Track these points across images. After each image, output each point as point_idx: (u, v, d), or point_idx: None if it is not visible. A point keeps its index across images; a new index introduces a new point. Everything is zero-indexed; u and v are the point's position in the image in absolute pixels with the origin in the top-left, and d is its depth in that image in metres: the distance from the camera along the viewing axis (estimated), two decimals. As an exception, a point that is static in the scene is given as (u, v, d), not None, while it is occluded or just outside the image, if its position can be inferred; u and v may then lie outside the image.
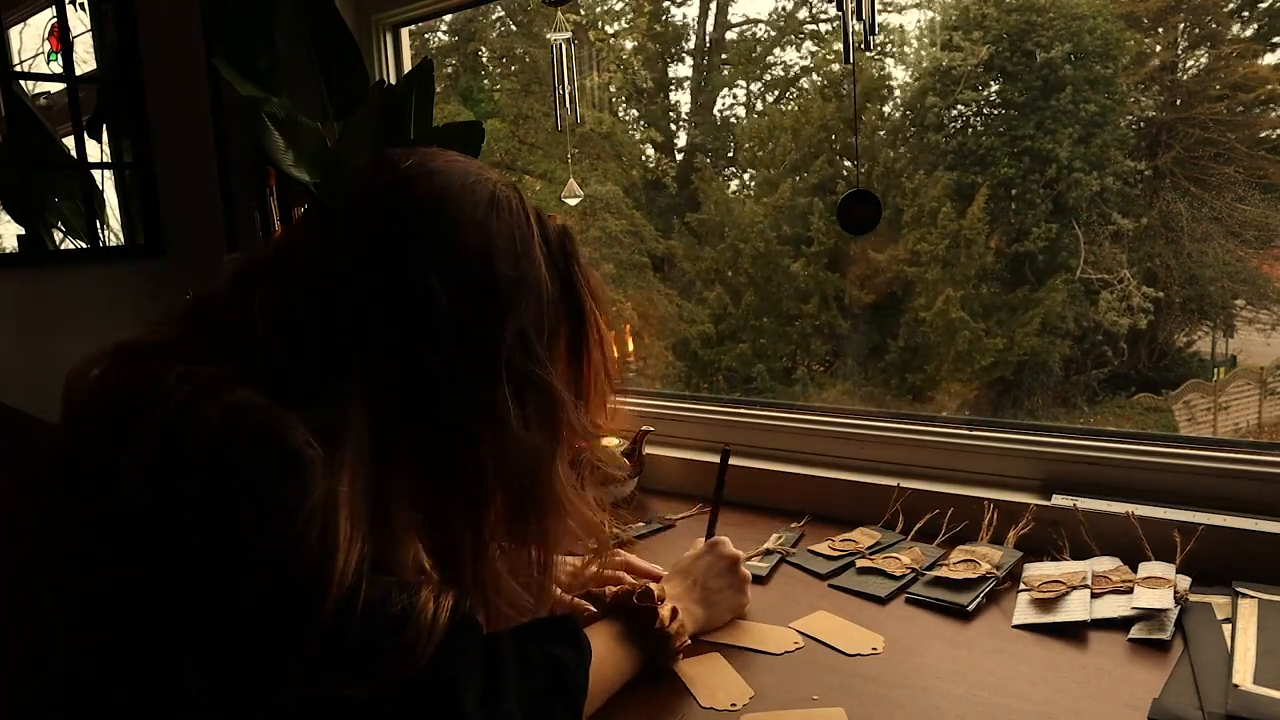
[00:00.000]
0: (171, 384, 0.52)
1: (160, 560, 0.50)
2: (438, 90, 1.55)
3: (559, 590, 0.86)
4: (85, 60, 1.75)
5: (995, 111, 5.71)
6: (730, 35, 7.13)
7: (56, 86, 1.73)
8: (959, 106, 5.77)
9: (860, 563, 1.03)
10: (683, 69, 7.17)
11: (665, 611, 0.79)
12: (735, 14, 7.10)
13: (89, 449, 0.54)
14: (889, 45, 6.03)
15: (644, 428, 1.35)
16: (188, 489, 0.50)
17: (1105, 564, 0.96)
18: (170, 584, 0.50)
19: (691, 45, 7.10)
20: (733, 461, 1.32)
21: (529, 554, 0.71)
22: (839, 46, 1.16)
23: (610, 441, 1.35)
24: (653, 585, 0.81)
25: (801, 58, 6.86)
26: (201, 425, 0.51)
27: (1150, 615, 0.85)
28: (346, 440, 0.56)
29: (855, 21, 1.09)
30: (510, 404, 0.63)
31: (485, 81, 7.35)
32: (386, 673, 0.54)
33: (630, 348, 1.76)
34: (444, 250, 0.62)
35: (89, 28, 1.75)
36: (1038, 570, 0.97)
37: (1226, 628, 0.82)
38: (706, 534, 0.98)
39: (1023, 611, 0.89)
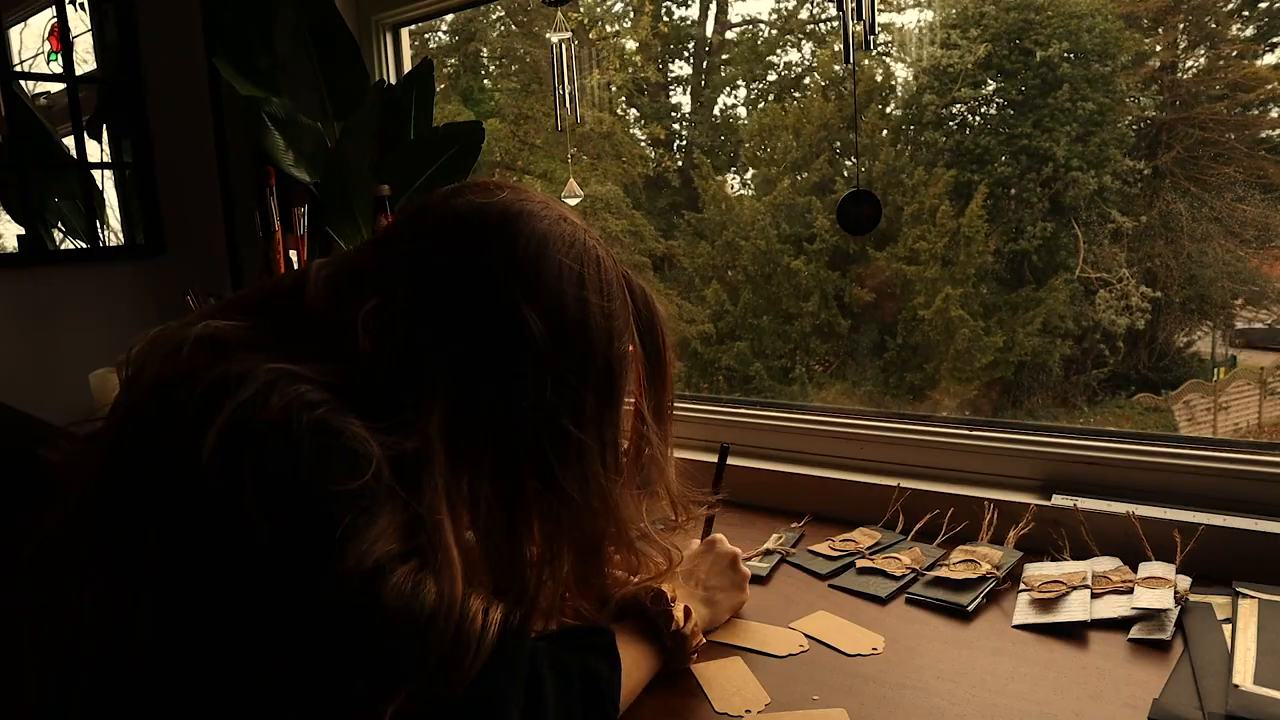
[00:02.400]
0: (255, 378, 0.53)
1: (218, 550, 0.50)
2: (438, 90, 1.55)
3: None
4: (85, 60, 1.75)
5: (993, 110, 5.71)
6: (730, 35, 7.13)
7: (56, 86, 1.73)
8: (957, 105, 5.77)
9: (860, 563, 1.03)
10: (683, 68, 7.18)
11: (679, 613, 0.79)
12: (735, 14, 7.10)
13: (162, 434, 0.53)
14: (889, 45, 6.03)
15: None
16: (247, 478, 0.50)
17: (1105, 564, 0.96)
18: (225, 576, 0.50)
19: (692, 45, 7.10)
20: (733, 461, 1.32)
21: (589, 582, 0.73)
22: (839, 47, 1.16)
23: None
24: (664, 587, 0.81)
25: (803, 57, 6.87)
26: (263, 416, 0.51)
27: (1150, 615, 0.85)
28: (428, 463, 0.57)
29: (855, 22, 1.09)
30: (592, 443, 0.65)
31: (485, 81, 7.35)
32: (433, 685, 0.54)
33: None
34: (543, 292, 0.64)
35: (89, 28, 1.75)
36: (1038, 570, 0.97)
37: (1226, 628, 0.82)
38: (703, 533, 0.98)
39: (1023, 611, 0.89)
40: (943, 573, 0.97)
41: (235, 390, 0.52)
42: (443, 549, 0.56)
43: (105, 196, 1.80)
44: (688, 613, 0.80)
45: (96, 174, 1.77)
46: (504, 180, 0.71)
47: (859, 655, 0.83)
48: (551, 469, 0.64)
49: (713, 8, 7.06)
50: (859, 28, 1.10)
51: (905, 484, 1.16)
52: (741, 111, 7.05)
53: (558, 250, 0.66)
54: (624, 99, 7.02)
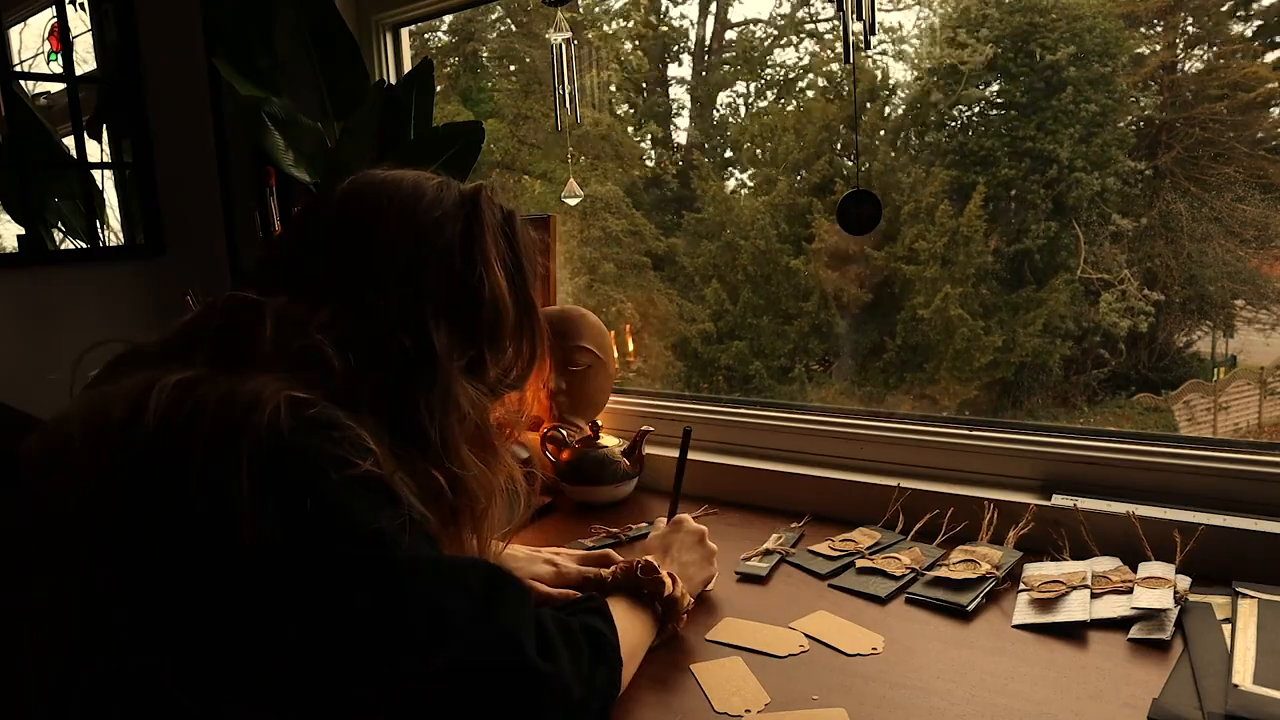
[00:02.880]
0: (264, 397, 0.55)
1: (227, 554, 0.51)
2: (438, 90, 1.55)
3: (547, 588, 0.92)
4: (85, 60, 1.75)
5: (997, 112, 5.71)
6: (730, 35, 7.13)
7: (56, 86, 1.73)
8: (960, 106, 5.77)
9: (860, 563, 1.03)
10: (683, 69, 7.18)
11: (666, 578, 0.84)
12: (735, 15, 7.09)
13: (181, 463, 0.53)
14: (889, 46, 6.03)
15: (644, 428, 1.35)
16: (259, 486, 0.52)
17: (1105, 564, 0.96)
18: (234, 572, 0.52)
19: (691, 45, 7.10)
20: (733, 461, 1.33)
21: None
22: (840, 47, 1.16)
23: (610, 442, 1.35)
24: (649, 558, 0.86)
25: (801, 58, 6.86)
26: (275, 429, 0.54)
27: (1150, 615, 0.85)
28: (368, 412, 0.61)
29: (855, 21, 1.09)
30: (444, 353, 0.68)
31: (485, 81, 7.35)
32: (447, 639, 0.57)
33: (630, 348, 1.76)
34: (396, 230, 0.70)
35: (89, 28, 1.75)
36: (1038, 570, 0.97)
37: (1226, 628, 0.82)
38: (669, 512, 1.02)
39: (1023, 611, 0.89)
40: (942, 573, 0.97)
41: (246, 410, 0.54)
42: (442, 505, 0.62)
43: (105, 196, 1.80)
44: (673, 579, 0.85)
45: (96, 174, 1.77)
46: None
47: (859, 655, 0.83)
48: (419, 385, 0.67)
49: (713, 7, 7.06)
50: (859, 27, 1.10)
51: (905, 484, 1.16)
52: (741, 111, 7.05)
53: (406, 193, 0.72)
54: (624, 99, 7.02)
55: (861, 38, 1.10)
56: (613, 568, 0.88)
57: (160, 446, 0.53)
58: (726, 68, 7.08)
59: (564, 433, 1.36)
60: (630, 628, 0.79)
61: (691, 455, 1.38)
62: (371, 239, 0.68)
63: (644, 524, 1.22)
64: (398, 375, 0.65)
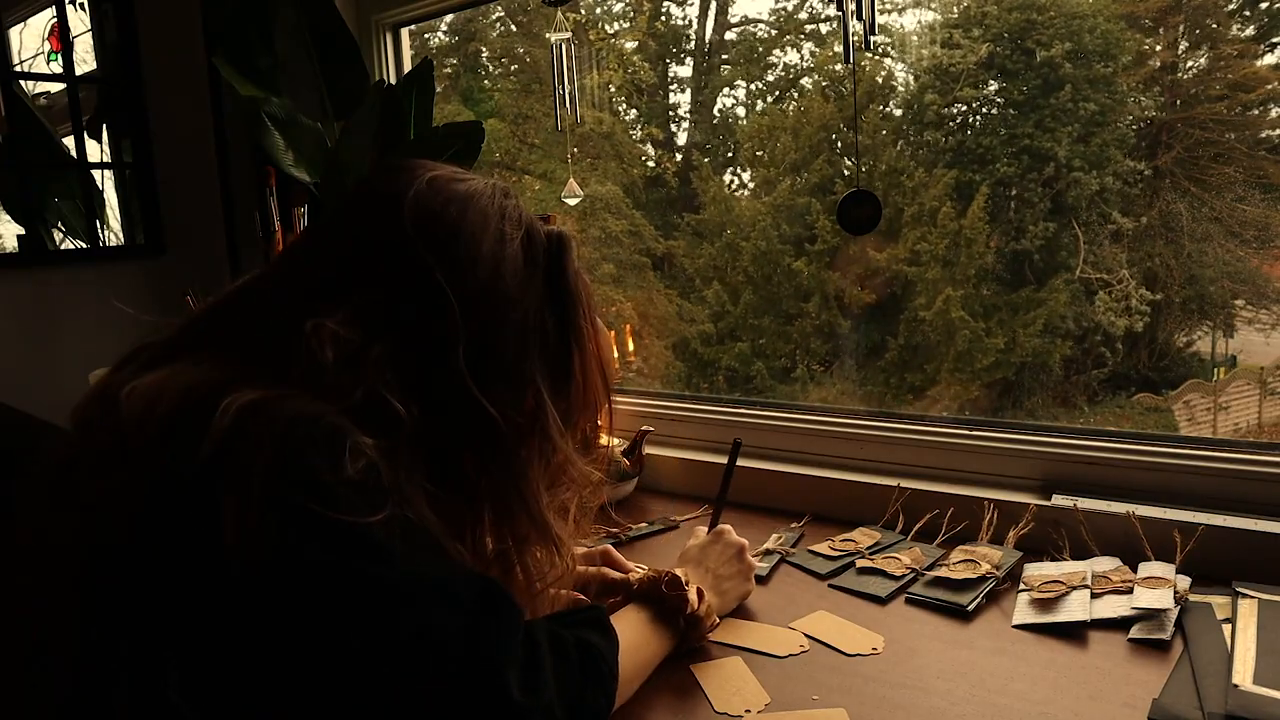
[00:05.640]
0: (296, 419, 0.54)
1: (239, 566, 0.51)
2: (438, 90, 1.55)
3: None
4: (85, 60, 1.75)
5: (994, 110, 5.71)
6: (730, 35, 7.13)
7: (56, 86, 1.73)
8: (958, 105, 5.77)
9: (860, 563, 1.03)
10: (683, 69, 7.18)
11: (692, 595, 0.82)
12: (735, 14, 7.10)
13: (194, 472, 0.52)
14: (889, 45, 6.03)
15: (644, 428, 1.35)
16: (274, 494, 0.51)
17: (1105, 564, 0.96)
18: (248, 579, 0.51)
19: (691, 45, 7.10)
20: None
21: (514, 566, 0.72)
22: (840, 47, 1.16)
23: (610, 441, 1.35)
24: (677, 571, 0.84)
25: (802, 57, 6.87)
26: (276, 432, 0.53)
27: (1150, 615, 0.85)
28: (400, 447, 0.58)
29: (855, 22, 1.09)
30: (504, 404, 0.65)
31: (485, 81, 7.35)
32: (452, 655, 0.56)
33: (630, 348, 1.76)
34: (457, 264, 0.63)
35: (89, 28, 1.75)
36: (1038, 570, 0.97)
37: (1226, 628, 0.82)
38: (710, 524, 0.99)
39: (1023, 611, 0.89)
40: (942, 573, 0.97)
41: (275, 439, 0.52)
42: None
43: (105, 196, 1.80)
44: (700, 594, 0.83)
45: (96, 174, 1.77)
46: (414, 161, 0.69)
47: (859, 655, 0.83)
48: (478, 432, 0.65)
49: (713, 7, 7.06)
50: (859, 27, 1.10)
51: (905, 484, 1.16)
52: (741, 112, 7.05)
53: (474, 219, 0.66)
54: (624, 99, 7.02)
55: (861, 38, 1.10)
56: (640, 575, 0.85)
57: (198, 464, 0.52)
58: (727, 69, 7.08)
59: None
60: (644, 642, 0.77)
61: (691, 455, 1.38)
62: (449, 282, 0.62)
63: (644, 524, 1.22)
64: (459, 439, 0.63)
